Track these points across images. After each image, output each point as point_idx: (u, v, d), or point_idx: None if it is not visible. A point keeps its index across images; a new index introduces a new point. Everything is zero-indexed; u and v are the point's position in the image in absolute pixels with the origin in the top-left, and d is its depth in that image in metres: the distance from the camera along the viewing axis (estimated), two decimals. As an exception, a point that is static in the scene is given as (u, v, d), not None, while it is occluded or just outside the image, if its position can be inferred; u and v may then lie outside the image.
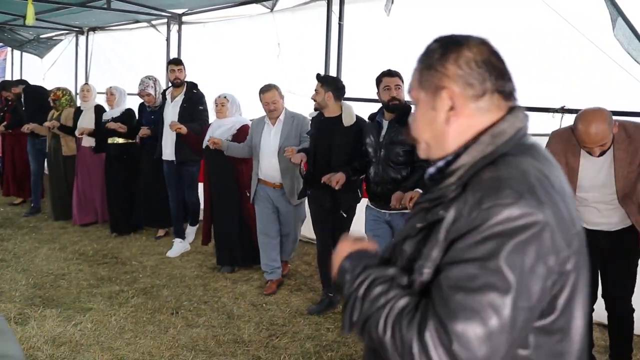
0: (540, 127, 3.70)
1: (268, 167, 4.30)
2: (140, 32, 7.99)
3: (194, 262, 5.08)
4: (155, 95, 5.50)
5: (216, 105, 4.71)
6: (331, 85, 3.93)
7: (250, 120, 4.69)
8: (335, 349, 3.46)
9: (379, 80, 3.59)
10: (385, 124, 3.59)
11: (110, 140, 5.78)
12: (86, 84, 6.26)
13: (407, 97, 3.41)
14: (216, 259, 4.91)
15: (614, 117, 3.56)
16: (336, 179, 3.58)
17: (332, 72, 5.39)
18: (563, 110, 3.94)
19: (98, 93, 6.39)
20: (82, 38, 9.11)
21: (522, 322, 0.94)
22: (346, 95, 5.30)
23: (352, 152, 3.77)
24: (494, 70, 1.09)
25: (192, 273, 4.79)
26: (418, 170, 3.40)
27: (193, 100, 5.15)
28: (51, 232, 5.93)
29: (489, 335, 0.91)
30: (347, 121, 3.85)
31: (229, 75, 6.30)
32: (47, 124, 6.17)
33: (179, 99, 5.18)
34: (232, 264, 4.83)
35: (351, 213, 3.96)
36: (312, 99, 3.98)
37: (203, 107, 5.20)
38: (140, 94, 5.52)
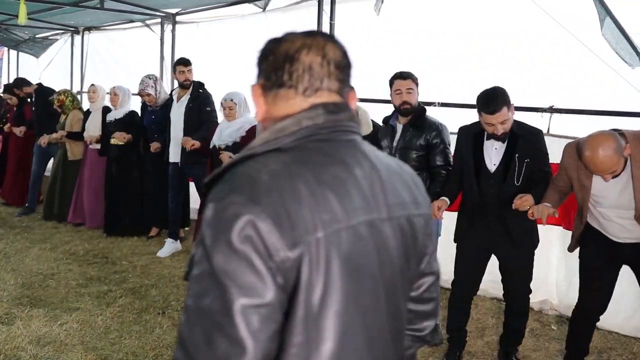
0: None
1: None
2: (135, 32, 7.99)
3: (184, 262, 5.07)
4: (156, 94, 5.37)
5: (224, 109, 4.60)
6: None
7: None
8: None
9: (390, 83, 3.49)
10: (399, 127, 3.49)
11: (112, 141, 5.72)
12: (92, 85, 6.14)
13: (420, 99, 3.40)
14: None
15: (603, 117, 3.55)
16: None
17: (324, 72, 5.38)
18: (551, 110, 3.93)
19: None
20: (77, 38, 9.12)
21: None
22: (337, 95, 5.34)
23: None
24: (295, 66, 1.08)
25: (182, 273, 4.78)
26: (437, 178, 3.35)
27: (199, 100, 5.03)
28: (43, 232, 5.92)
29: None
30: (365, 130, 3.65)
31: (222, 74, 6.29)
32: (54, 136, 6.11)
33: (185, 99, 5.07)
34: None
35: None
36: None
37: (210, 107, 5.06)
38: (140, 94, 5.42)
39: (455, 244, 3.28)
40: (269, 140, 1.04)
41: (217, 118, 5.09)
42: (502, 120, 2.86)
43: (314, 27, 5.35)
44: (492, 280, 3.57)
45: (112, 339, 3.52)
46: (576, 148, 2.74)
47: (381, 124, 3.64)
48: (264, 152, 1.03)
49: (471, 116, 3.73)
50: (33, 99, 6.78)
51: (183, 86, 5.08)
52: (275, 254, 0.92)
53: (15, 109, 6.96)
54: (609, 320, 3.39)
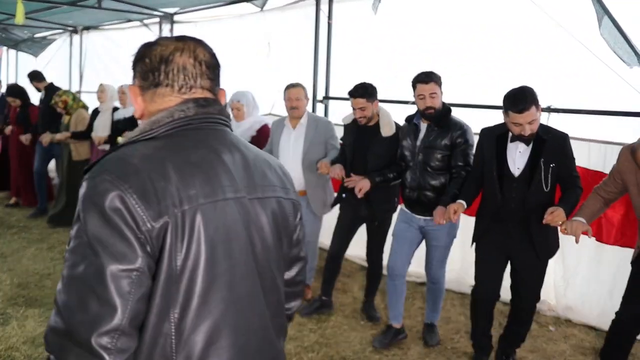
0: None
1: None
2: (133, 32, 7.99)
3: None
4: None
5: (232, 110, 4.47)
6: (372, 94, 3.62)
7: (269, 115, 4.49)
8: (316, 350, 3.43)
9: (413, 86, 3.32)
10: (423, 126, 3.39)
11: (119, 140, 5.51)
12: (101, 84, 5.94)
13: (442, 101, 3.31)
14: None
15: (601, 117, 3.53)
16: (359, 186, 3.42)
17: (321, 71, 5.38)
18: (550, 110, 3.91)
19: (93, 93, 6.30)
20: (76, 37, 9.11)
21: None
22: (335, 95, 5.32)
23: (390, 161, 3.58)
24: (171, 66, 1.20)
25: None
26: (456, 179, 3.25)
27: None
28: (40, 232, 5.90)
29: None
30: (387, 131, 3.60)
31: (220, 74, 6.29)
32: (58, 137, 5.95)
33: None
34: None
35: (386, 224, 3.79)
36: (359, 117, 3.62)
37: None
38: None
39: (474, 249, 3.18)
40: (145, 130, 1.17)
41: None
42: (530, 120, 2.76)
43: (312, 27, 5.34)
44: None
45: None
46: (631, 151, 2.68)
47: (404, 122, 3.55)
48: (139, 141, 1.16)
49: (469, 115, 3.72)
50: (42, 96, 6.70)
51: None
52: (142, 224, 1.04)
53: (18, 110, 6.89)
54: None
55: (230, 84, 5.27)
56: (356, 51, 5.24)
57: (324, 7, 5.25)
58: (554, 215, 2.67)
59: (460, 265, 4.31)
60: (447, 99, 4.31)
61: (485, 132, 3.10)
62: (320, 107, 5.39)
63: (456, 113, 4.04)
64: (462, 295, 4.27)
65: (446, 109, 3.35)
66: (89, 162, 5.77)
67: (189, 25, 7.10)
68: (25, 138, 6.56)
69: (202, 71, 1.22)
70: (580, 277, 3.88)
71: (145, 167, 1.08)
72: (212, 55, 1.26)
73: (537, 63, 4.00)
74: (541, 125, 2.89)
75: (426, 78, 3.24)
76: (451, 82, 4.28)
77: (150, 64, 1.21)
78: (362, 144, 3.65)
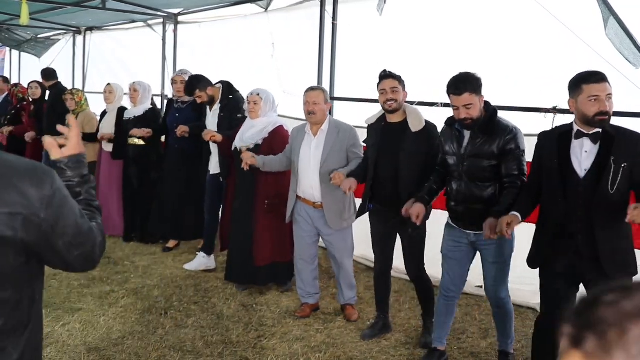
0: (531, 127, 3.67)
1: (307, 183, 3.76)
2: (137, 32, 8.01)
3: (187, 263, 5.06)
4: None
5: (248, 104, 4.22)
6: (403, 82, 3.36)
7: (286, 119, 4.35)
8: (323, 350, 3.44)
9: (448, 95, 2.98)
10: (466, 132, 3.03)
11: (129, 141, 5.41)
12: (109, 84, 5.78)
13: (423, 99, 3.22)
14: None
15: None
16: (416, 214, 3.08)
17: (326, 72, 5.39)
18: (555, 111, 3.91)
19: (96, 93, 6.29)
20: (79, 38, 9.14)
21: None
22: (339, 95, 5.33)
23: (424, 162, 3.32)
24: None
25: (184, 273, 4.78)
26: (510, 188, 2.91)
27: (229, 108, 4.72)
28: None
29: None
30: (416, 126, 3.33)
31: (223, 75, 6.26)
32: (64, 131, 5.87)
33: (217, 107, 4.79)
34: (244, 281, 4.38)
35: (422, 230, 3.47)
36: (388, 100, 3.35)
37: (242, 114, 4.59)
38: (173, 80, 5.25)
39: (537, 270, 2.82)
40: None
41: None
42: (466, 104, 2.81)
43: (316, 28, 5.35)
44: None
45: (115, 339, 3.52)
46: None
47: (444, 125, 3.22)
48: None
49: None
50: (47, 96, 6.66)
51: (209, 102, 4.84)
52: None
53: (32, 107, 6.82)
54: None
55: (234, 84, 5.31)
56: (361, 52, 5.25)
57: (329, 7, 5.26)
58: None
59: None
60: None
61: (545, 134, 2.82)
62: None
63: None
64: (466, 295, 4.27)
65: (491, 112, 2.99)
66: (96, 165, 5.78)
67: (193, 26, 7.11)
68: (29, 137, 6.47)
69: None
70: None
71: None
72: None
73: (543, 64, 4.00)
74: (612, 125, 2.58)
75: (457, 90, 2.89)
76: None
77: None
78: (390, 142, 3.40)
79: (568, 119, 3.89)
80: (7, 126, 6.88)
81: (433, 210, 3.51)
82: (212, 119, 4.81)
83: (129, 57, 8.22)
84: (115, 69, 8.34)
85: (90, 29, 8.85)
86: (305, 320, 3.89)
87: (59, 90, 6.43)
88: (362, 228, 3.99)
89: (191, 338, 3.56)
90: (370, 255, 4.96)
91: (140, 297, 4.22)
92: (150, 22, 7.59)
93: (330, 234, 3.82)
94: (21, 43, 9.70)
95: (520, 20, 4.10)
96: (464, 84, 2.89)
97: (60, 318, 3.78)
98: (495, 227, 2.74)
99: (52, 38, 9.73)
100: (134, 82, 5.57)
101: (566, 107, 3.86)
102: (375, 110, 5.32)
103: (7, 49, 11.16)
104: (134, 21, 7.92)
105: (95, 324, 3.72)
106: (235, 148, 4.23)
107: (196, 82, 4.77)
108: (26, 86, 7.06)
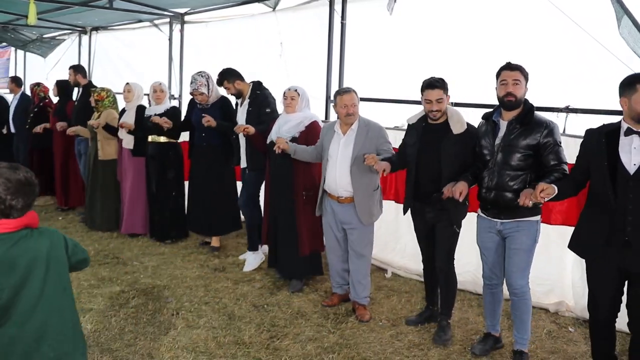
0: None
1: (333, 179, 3.87)
2: (143, 32, 8.00)
3: (196, 263, 5.05)
4: (209, 93, 5.05)
5: (285, 99, 4.32)
6: (447, 86, 3.47)
7: (323, 122, 4.42)
8: (337, 351, 3.43)
9: (497, 74, 3.18)
10: (502, 124, 3.18)
11: (150, 139, 5.46)
12: (128, 83, 5.78)
13: (523, 94, 3.12)
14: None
15: (619, 117, 3.51)
16: (459, 190, 3.18)
17: (335, 71, 5.38)
18: (568, 110, 3.90)
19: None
20: (85, 38, 9.13)
21: None
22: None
23: (465, 164, 3.37)
24: None
25: (194, 274, 4.77)
26: (556, 169, 3.01)
27: (257, 102, 4.78)
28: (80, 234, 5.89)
29: None
30: (458, 128, 3.41)
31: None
32: (91, 122, 5.85)
33: (246, 102, 4.86)
34: (296, 276, 4.48)
35: (457, 221, 3.56)
36: (433, 111, 3.44)
37: (270, 108, 4.74)
38: (192, 94, 5.09)
39: (550, 270, 2.97)
40: None
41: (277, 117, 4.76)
42: (438, 98, 3.37)
43: (325, 27, 5.33)
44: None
45: (127, 340, 3.51)
46: None
47: (481, 120, 3.37)
48: None
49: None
50: (79, 93, 6.68)
51: (237, 95, 4.97)
52: None
53: (56, 105, 6.84)
54: None
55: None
56: (370, 51, 5.23)
57: (338, 7, 5.25)
58: None
59: (476, 266, 4.29)
60: (463, 99, 4.32)
61: (591, 132, 2.87)
62: (333, 108, 5.38)
63: (473, 113, 4.03)
64: (479, 296, 4.25)
65: (528, 107, 3.14)
66: (116, 163, 5.84)
67: (200, 25, 7.10)
68: (71, 131, 6.34)
69: None
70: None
71: None
72: None
73: (556, 63, 3.99)
74: None
75: (511, 65, 3.11)
76: (467, 82, 4.28)
77: None
78: (431, 143, 3.46)
79: (581, 118, 3.89)
80: (31, 125, 6.95)
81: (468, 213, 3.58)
82: (241, 114, 4.89)
83: (134, 57, 8.21)
84: (120, 69, 8.32)
85: (96, 28, 8.84)
86: (318, 320, 3.87)
87: (89, 89, 6.40)
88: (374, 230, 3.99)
89: (203, 338, 3.55)
90: (381, 257, 4.97)
91: (151, 298, 4.21)
92: (156, 21, 7.57)
93: (353, 228, 3.92)
94: (27, 43, 9.69)
95: (533, 19, 4.08)
96: (438, 82, 3.43)
97: (72, 319, 3.77)
98: (531, 194, 2.85)
99: (57, 38, 9.73)
100: (160, 83, 5.55)
101: (579, 106, 3.88)
102: (386, 109, 5.32)
103: (12, 49, 11.15)
104: (140, 21, 7.91)
105: (107, 325, 3.71)
106: (271, 141, 4.30)
107: (226, 74, 4.91)
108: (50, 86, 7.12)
